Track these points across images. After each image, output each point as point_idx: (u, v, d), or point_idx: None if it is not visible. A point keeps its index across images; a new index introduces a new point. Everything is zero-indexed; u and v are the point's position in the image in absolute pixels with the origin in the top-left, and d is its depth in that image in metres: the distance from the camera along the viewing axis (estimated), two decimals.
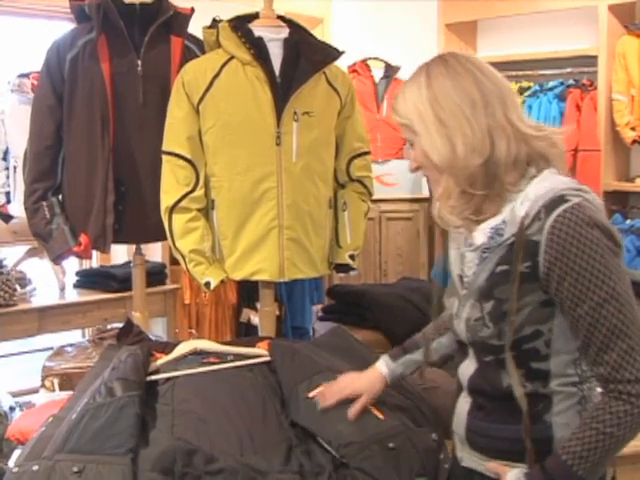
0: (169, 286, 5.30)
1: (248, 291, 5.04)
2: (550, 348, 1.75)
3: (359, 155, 3.25)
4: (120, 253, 5.23)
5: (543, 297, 1.72)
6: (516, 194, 1.75)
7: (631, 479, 2.45)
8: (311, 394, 2.23)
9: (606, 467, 1.75)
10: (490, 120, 1.74)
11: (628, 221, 5.42)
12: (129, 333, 2.85)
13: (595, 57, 5.51)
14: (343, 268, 3.28)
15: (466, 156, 1.73)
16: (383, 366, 2.19)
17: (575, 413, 1.77)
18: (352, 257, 3.23)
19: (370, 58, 6.45)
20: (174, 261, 3.25)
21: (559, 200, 1.66)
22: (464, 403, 1.92)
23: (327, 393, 2.19)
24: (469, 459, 1.92)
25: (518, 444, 1.78)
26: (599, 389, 1.74)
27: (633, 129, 5.40)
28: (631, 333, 1.64)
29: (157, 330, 5.29)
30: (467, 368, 1.91)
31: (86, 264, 5.58)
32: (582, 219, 1.64)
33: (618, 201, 5.63)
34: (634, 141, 5.42)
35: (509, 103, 1.79)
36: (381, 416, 2.16)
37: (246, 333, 5.12)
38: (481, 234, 1.80)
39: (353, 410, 2.13)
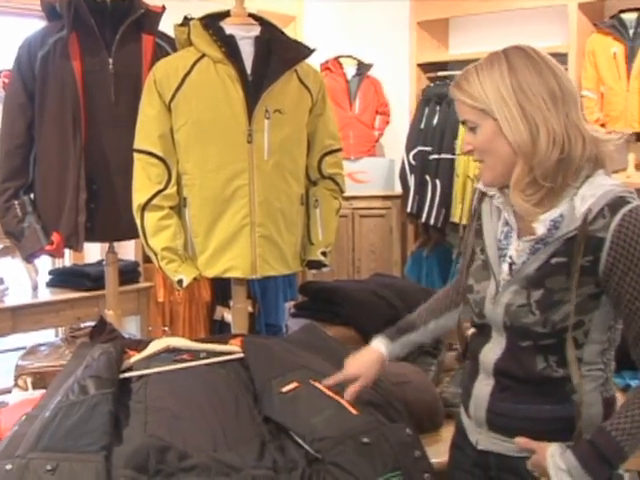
0: (142, 284, 5.30)
1: (222, 289, 5.05)
2: (587, 338, 1.84)
3: (330, 152, 3.27)
4: (93, 252, 5.22)
5: (593, 290, 1.80)
6: (573, 191, 1.81)
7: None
8: (285, 389, 2.25)
9: None
10: (566, 117, 1.80)
11: None
12: (102, 331, 2.85)
13: (565, 54, 5.54)
14: (315, 265, 3.29)
15: (548, 148, 1.78)
16: (382, 346, 2.22)
17: (598, 394, 1.88)
18: (324, 254, 3.26)
19: (342, 56, 6.47)
20: (147, 259, 3.25)
21: (621, 201, 1.76)
22: (484, 386, 1.97)
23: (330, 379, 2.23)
24: (486, 441, 1.98)
25: (544, 423, 1.87)
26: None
27: (603, 126, 5.43)
28: None
29: (131, 328, 5.28)
30: (491, 351, 1.95)
31: (59, 263, 5.55)
32: None
33: None
34: None
35: (579, 104, 1.88)
36: (355, 412, 2.16)
37: (220, 331, 5.12)
38: (541, 225, 1.85)
39: (349, 392, 2.17)
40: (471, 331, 2.10)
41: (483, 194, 2.03)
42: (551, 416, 1.87)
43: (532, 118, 1.79)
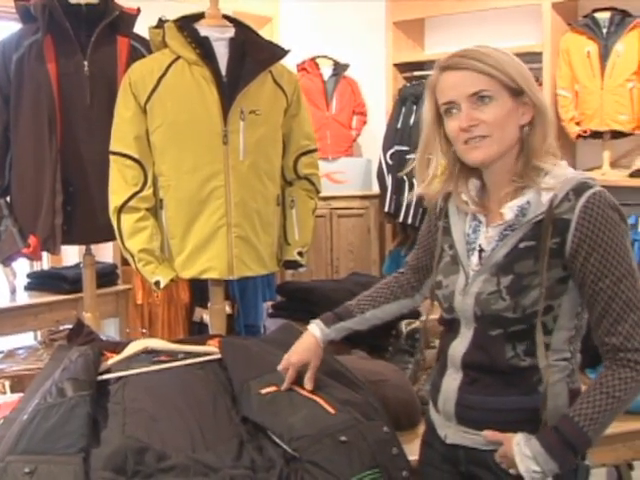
0: (121, 287, 5.30)
1: (200, 290, 5.04)
2: (556, 324, 1.87)
3: (306, 153, 3.28)
4: (71, 254, 5.20)
5: (561, 274, 1.84)
6: (539, 180, 1.86)
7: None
8: (264, 391, 2.26)
9: (605, 430, 1.84)
10: None
11: None
12: (80, 334, 2.84)
13: (540, 54, 5.57)
14: (292, 265, 3.31)
15: (550, 132, 1.89)
16: (317, 330, 2.27)
17: (564, 385, 1.91)
18: (301, 254, 3.27)
19: (319, 56, 6.48)
20: (126, 262, 3.25)
21: (585, 186, 1.81)
22: (452, 380, 1.99)
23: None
24: (455, 435, 2.00)
25: (512, 414, 1.90)
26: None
27: (578, 124, 5.47)
28: None
29: (109, 331, 5.28)
30: (459, 345, 1.98)
31: (37, 266, 5.54)
32: (608, 203, 1.80)
33: None
34: (579, 136, 5.49)
35: None
36: (332, 410, 2.18)
37: (199, 332, 5.11)
38: (509, 211, 1.89)
39: (308, 379, 2.25)
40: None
41: (449, 193, 2.06)
42: (518, 407, 1.89)
43: (542, 104, 1.88)
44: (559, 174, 1.85)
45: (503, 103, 1.86)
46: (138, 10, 3.46)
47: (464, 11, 6.08)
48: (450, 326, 2.02)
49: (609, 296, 1.79)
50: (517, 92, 1.86)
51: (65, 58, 3.26)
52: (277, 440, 2.11)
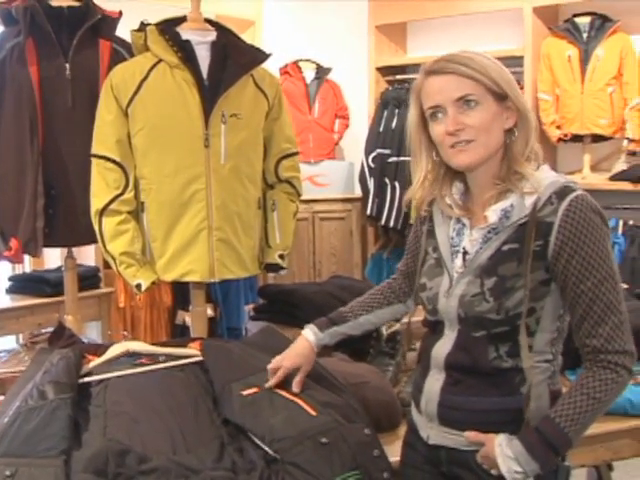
0: (103, 290, 5.29)
1: (182, 293, 5.03)
2: (538, 325, 1.89)
3: (287, 156, 3.28)
4: (53, 257, 5.20)
5: (544, 276, 1.86)
6: (522, 184, 1.88)
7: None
8: (245, 393, 2.26)
9: (586, 431, 1.87)
10: None
11: None
12: (61, 336, 2.84)
13: (521, 58, 5.62)
14: (273, 267, 3.31)
15: (533, 137, 1.92)
16: (311, 335, 2.28)
17: (545, 387, 1.92)
18: (282, 257, 3.27)
19: (301, 60, 6.49)
20: (108, 265, 3.25)
21: (567, 189, 1.84)
22: (435, 381, 2.00)
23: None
24: (437, 435, 2.01)
25: (494, 415, 1.91)
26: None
27: (559, 127, 5.51)
28: (622, 309, 1.85)
29: (92, 334, 5.27)
30: (442, 347, 1.99)
31: (19, 269, 5.53)
32: (590, 206, 1.83)
33: None
34: (560, 139, 5.53)
35: None
36: (313, 412, 2.18)
37: (181, 335, 5.10)
38: (493, 214, 1.92)
39: (296, 383, 2.27)
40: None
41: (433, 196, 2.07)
42: (501, 408, 1.90)
43: (525, 107, 1.91)
44: (542, 177, 1.87)
45: (488, 107, 1.88)
46: (120, 13, 3.47)
47: (446, 15, 6.11)
48: (434, 328, 2.04)
49: (590, 298, 1.82)
50: (501, 97, 1.88)
51: (47, 61, 3.25)
52: (258, 442, 2.11)
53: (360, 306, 2.32)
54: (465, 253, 1.96)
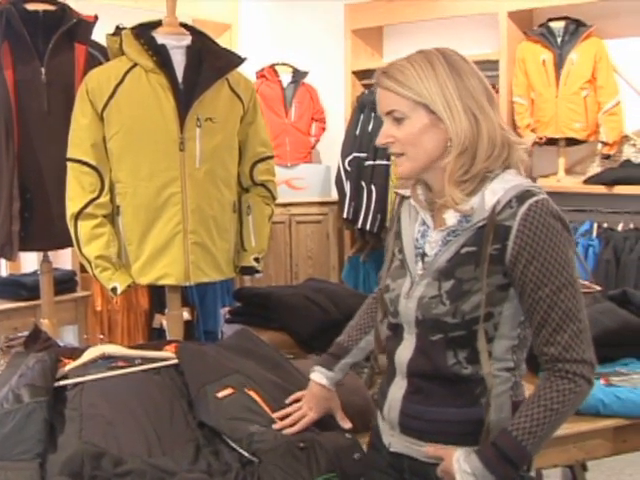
0: (80, 293, 5.27)
1: (159, 297, 5.03)
2: (497, 331, 1.85)
3: (262, 160, 3.30)
4: (30, 261, 5.18)
5: (502, 281, 1.82)
6: (484, 185, 1.85)
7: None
8: (220, 394, 2.27)
9: (546, 443, 1.84)
10: (496, 117, 1.88)
11: None
12: (37, 340, 2.83)
13: (496, 62, 5.64)
14: (248, 271, 3.33)
15: (488, 144, 1.85)
16: (323, 379, 2.23)
17: (507, 398, 1.88)
18: (257, 260, 3.29)
19: (278, 63, 6.49)
20: (85, 268, 3.26)
21: (528, 194, 1.80)
22: (398, 388, 1.97)
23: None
24: (399, 444, 1.98)
25: (454, 426, 1.88)
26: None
27: (533, 131, 5.54)
28: (581, 317, 1.80)
29: (68, 337, 5.26)
30: (404, 351, 1.96)
31: None
32: (550, 211, 1.79)
33: None
34: (535, 143, 5.57)
35: (499, 109, 1.93)
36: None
37: (159, 338, 5.10)
38: (452, 217, 1.89)
39: (342, 420, 2.26)
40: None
41: (403, 197, 2.07)
42: (461, 419, 1.88)
43: (474, 115, 1.84)
44: (505, 180, 1.84)
45: (417, 121, 1.85)
46: (95, 17, 3.47)
47: (422, 19, 6.13)
48: (395, 331, 2.01)
49: (548, 305, 1.78)
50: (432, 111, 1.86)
51: (22, 65, 3.26)
52: (233, 445, 2.12)
53: (356, 330, 2.28)
54: (424, 255, 1.94)
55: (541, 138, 5.54)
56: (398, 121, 1.88)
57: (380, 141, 1.93)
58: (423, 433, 1.92)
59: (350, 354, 2.25)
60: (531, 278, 1.78)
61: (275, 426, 2.16)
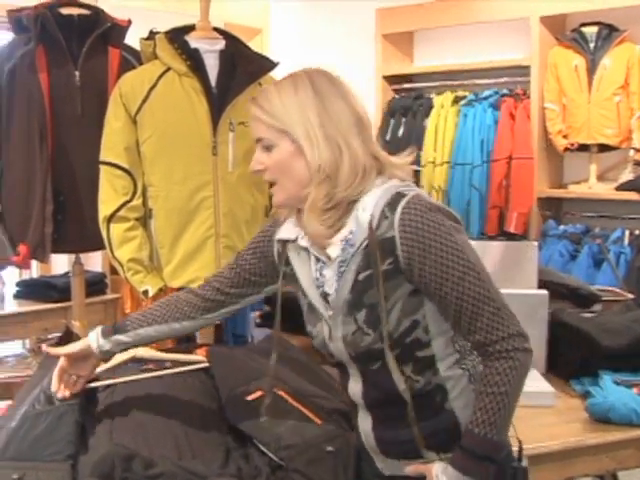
0: (109, 296, 5.28)
1: None
2: (429, 334, 1.84)
3: None
4: (60, 263, 5.21)
5: (410, 288, 1.81)
6: (354, 206, 1.83)
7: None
8: (249, 397, 2.27)
9: (510, 424, 1.83)
10: (366, 143, 1.86)
11: (561, 227, 5.55)
12: (68, 341, 2.84)
13: (528, 67, 5.62)
14: None
15: (350, 172, 1.81)
16: (93, 340, 2.19)
17: (470, 392, 1.87)
18: None
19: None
20: (114, 271, 3.26)
21: (398, 196, 1.79)
22: (365, 420, 1.96)
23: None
24: (390, 467, 1.97)
25: (432, 439, 1.87)
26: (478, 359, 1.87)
27: (565, 137, 5.51)
28: (493, 296, 1.78)
29: None
30: (355, 387, 1.94)
31: (26, 275, 5.54)
32: (425, 206, 1.77)
33: (551, 207, 5.75)
34: (566, 149, 5.54)
35: (371, 131, 1.91)
36: (319, 421, 2.20)
37: (187, 342, 5.11)
38: (335, 247, 1.86)
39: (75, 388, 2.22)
40: None
41: (285, 242, 2.00)
42: (433, 430, 1.87)
43: (336, 142, 1.81)
44: (373, 192, 1.81)
45: (284, 149, 1.84)
46: (129, 21, 3.49)
47: (453, 24, 6.12)
48: (340, 368, 1.98)
49: (457, 297, 1.76)
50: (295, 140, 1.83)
51: (57, 68, 3.28)
52: (263, 449, 2.12)
53: (143, 317, 2.20)
54: (327, 295, 1.90)
55: (572, 144, 5.51)
56: (267, 149, 1.87)
57: (252, 168, 1.92)
58: (408, 453, 1.91)
59: (126, 334, 2.18)
60: (430, 278, 1.76)
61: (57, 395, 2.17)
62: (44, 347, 2.26)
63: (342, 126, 1.83)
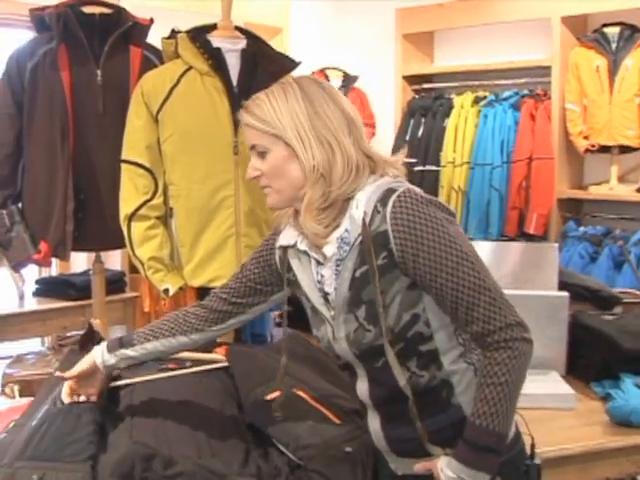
0: (128, 294, 5.31)
1: None
2: (431, 327, 1.84)
3: None
4: (79, 261, 5.23)
5: (407, 281, 1.82)
6: (349, 204, 1.86)
7: None
8: (268, 397, 2.27)
9: (514, 414, 1.82)
10: (357, 142, 1.89)
11: (581, 228, 5.51)
12: (92, 339, 2.84)
13: (549, 68, 5.59)
14: None
15: (344, 171, 1.85)
16: (98, 356, 2.20)
17: (475, 386, 1.86)
18: None
19: (328, 68, 6.51)
20: (133, 269, 3.27)
21: (389, 191, 1.81)
22: (374, 419, 1.97)
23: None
24: (402, 466, 1.98)
25: (439, 434, 1.87)
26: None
27: (586, 138, 5.48)
28: (489, 285, 1.78)
29: None
30: (362, 386, 1.96)
31: (45, 272, 5.56)
32: (416, 199, 1.79)
33: (572, 209, 5.73)
34: (587, 150, 5.50)
35: (362, 130, 1.93)
36: (338, 421, 2.20)
37: None
38: (331, 246, 1.89)
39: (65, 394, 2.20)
40: None
41: (285, 248, 2.03)
42: (441, 426, 1.87)
43: (328, 143, 1.85)
44: (366, 190, 1.84)
45: (277, 154, 1.88)
46: (151, 20, 3.50)
47: (474, 24, 6.10)
48: (349, 369, 2.00)
49: (452, 288, 1.77)
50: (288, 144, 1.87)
51: (78, 67, 3.30)
52: (282, 448, 2.12)
53: (149, 331, 2.21)
54: (327, 294, 1.93)
55: (593, 145, 5.48)
56: (261, 155, 1.91)
57: (248, 175, 1.95)
58: (418, 450, 1.91)
59: (132, 348, 2.18)
60: (425, 269, 1.78)
61: None
62: (56, 373, 2.24)
63: (333, 126, 1.87)
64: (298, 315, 3.58)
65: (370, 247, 1.80)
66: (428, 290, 1.81)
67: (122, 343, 2.20)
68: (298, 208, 1.93)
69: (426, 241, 1.76)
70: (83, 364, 2.20)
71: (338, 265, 1.88)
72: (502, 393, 1.74)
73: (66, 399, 2.18)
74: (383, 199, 1.80)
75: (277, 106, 1.87)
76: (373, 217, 1.81)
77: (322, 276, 1.94)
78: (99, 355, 2.20)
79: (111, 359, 2.19)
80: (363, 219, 1.81)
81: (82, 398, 2.20)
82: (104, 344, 2.22)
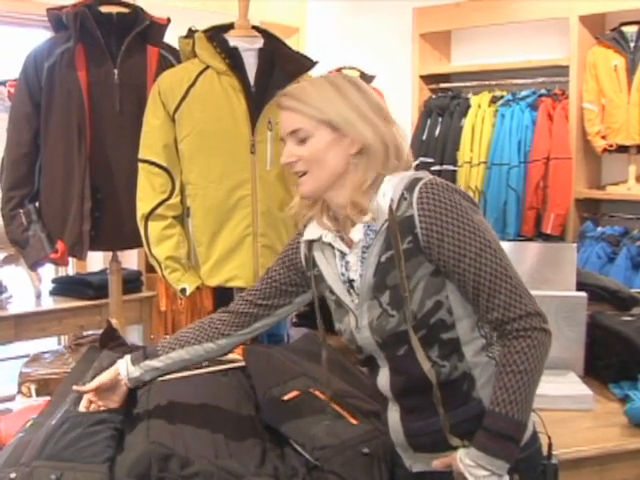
0: (145, 293, 5.33)
1: (224, 298, 5.02)
2: (453, 315, 1.86)
3: None
4: (96, 261, 5.24)
5: (431, 268, 1.85)
6: (376, 192, 1.89)
7: None
8: (285, 397, 2.27)
9: (532, 403, 1.83)
10: (394, 131, 1.95)
11: (599, 228, 5.49)
12: (112, 338, 2.85)
13: (566, 67, 5.56)
14: None
15: (391, 155, 1.91)
16: (123, 369, 2.21)
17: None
18: None
19: (345, 67, 6.48)
20: (150, 268, 3.27)
21: (416, 181, 1.85)
22: (394, 413, 1.97)
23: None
24: (418, 462, 1.97)
25: (459, 428, 1.87)
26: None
27: (604, 138, 5.45)
28: (511, 274, 1.81)
29: (133, 337, 5.30)
30: (383, 378, 1.96)
31: (62, 271, 5.58)
32: (441, 187, 1.83)
33: (589, 209, 5.70)
34: (605, 150, 5.47)
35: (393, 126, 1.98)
36: (355, 422, 2.20)
37: None
38: (357, 233, 1.92)
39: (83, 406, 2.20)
40: None
41: (311, 242, 2.06)
42: (463, 418, 1.88)
43: (373, 124, 1.89)
44: (390, 180, 1.88)
45: (321, 139, 1.90)
46: (168, 20, 3.50)
47: (491, 24, 6.08)
48: (369, 364, 2.01)
49: (474, 273, 1.80)
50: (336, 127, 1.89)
51: (96, 66, 3.30)
52: (299, 449, 2.12)
53: (175, 340, 2.22)
54: (352, 282, 1.95)
55: (611, 145, 5.44)
56: (302, 140, 1.92)
57: (284, 160, 1.96)
58: (435, 445, 1.91)
59: (157, 359, 2.20)
60: (449, 254, 1.81)
61: None
62: (75, 387, 2.23)
63: (373, 115, 1.91)
64: (314, 314, 3.60)
65: (396, 231, 1.83)
66: (451, 276, 1.83)
67: (146, 355, 2.21)
68: (329, 200, 1.97)
69: (451, 226, 1.80)
70: (104, 377, 2.21)
71: (364, 252, 1.91)
72: (521, 381, 1.77)
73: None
74: (410, 187, 1.84)
75: (323, 91, 1.90)
76: (400, 203, 1.84)
77: (347, 262, 1.96)
78: (123, 368, 2.21)
79: (136, 371, 2.20)
80: (390, 206, 1.84)
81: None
82: (127, 357, 2.23)
